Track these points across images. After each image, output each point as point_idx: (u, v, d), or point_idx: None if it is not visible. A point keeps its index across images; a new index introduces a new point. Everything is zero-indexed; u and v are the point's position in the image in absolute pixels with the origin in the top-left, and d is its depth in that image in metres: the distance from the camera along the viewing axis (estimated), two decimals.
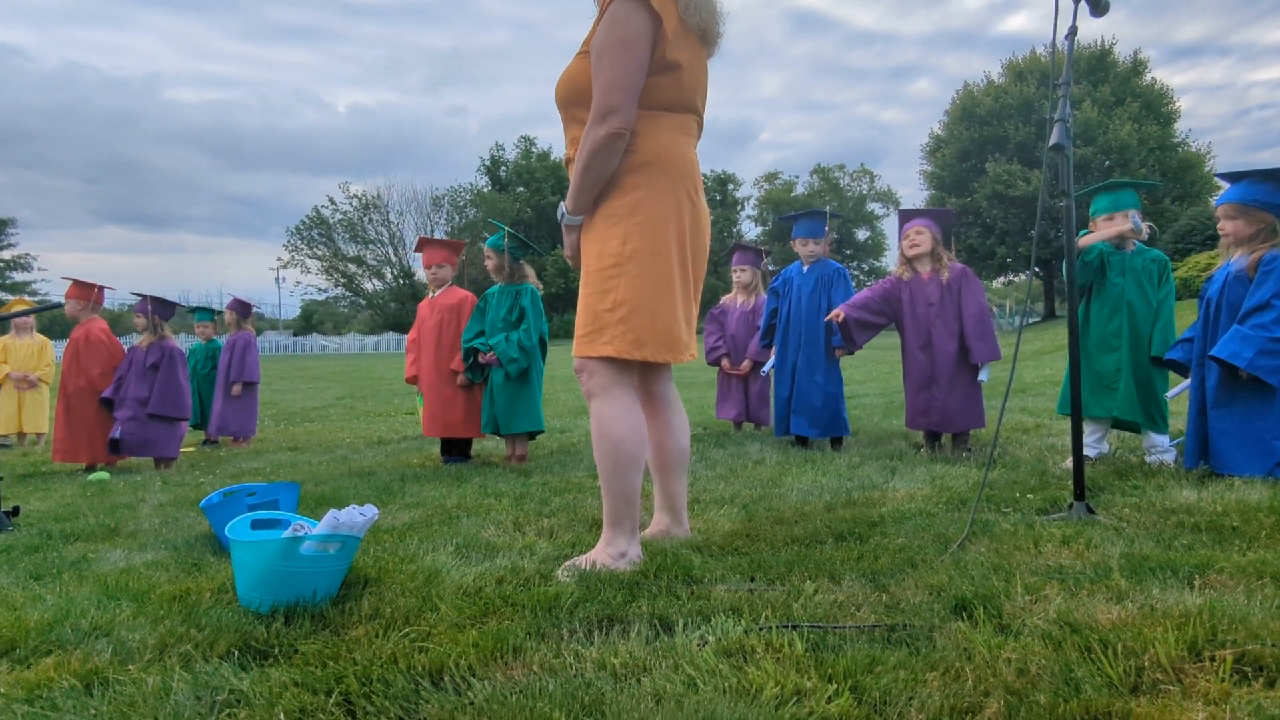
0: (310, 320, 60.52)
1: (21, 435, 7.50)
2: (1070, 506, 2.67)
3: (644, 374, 2.42)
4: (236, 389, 6.76)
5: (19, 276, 47.48)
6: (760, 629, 1.66)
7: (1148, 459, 3.73)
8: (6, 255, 47.30)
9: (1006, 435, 4.71)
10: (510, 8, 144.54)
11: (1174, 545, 2.21)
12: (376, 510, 2.07)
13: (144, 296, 5.44)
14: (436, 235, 51.56)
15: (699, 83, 2.31)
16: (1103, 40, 31.72)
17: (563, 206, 2.30)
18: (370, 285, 53.77)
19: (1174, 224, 24.85)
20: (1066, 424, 5.07)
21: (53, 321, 32.37)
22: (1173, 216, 26.16)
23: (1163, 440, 3.78)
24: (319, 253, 51.97)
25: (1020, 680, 1.40)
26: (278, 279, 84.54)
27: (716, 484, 3.53)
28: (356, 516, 1.99)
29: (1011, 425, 5.19)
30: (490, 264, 4.66)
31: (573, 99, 2.25)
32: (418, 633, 1.70)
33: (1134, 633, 1.55)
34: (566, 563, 2.22)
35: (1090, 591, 1.84)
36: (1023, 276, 35.63)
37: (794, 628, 1.66)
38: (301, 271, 54.94)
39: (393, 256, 52.52)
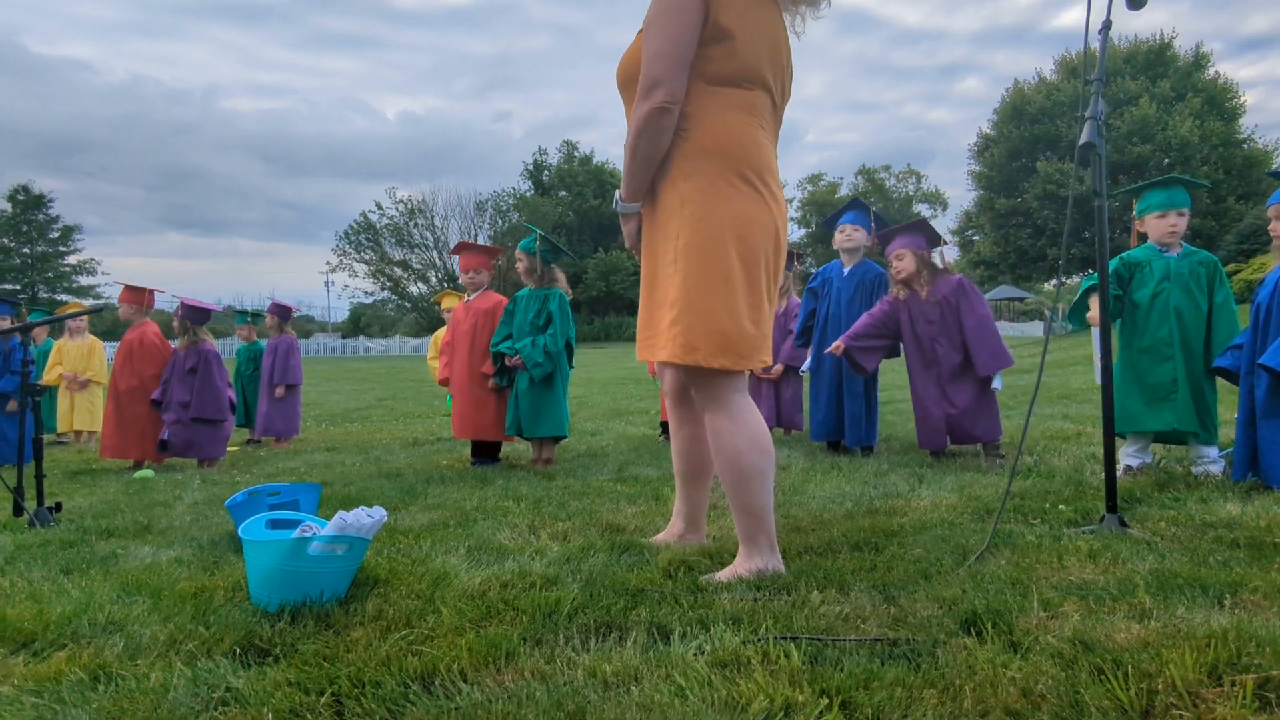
0: (358, 323, 61.90)
1: (79, 434, 7.81)
2: (1102, 519, 2.57)
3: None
4: (280, 391, 6.93)
5: (84, 280, 49.59)
6: (758, 640, 1.63)
7: (1194, 470, 3.57)
8: (72, 260, 49.45)
9: (1045, 443, 4.56)
10: (553, 12, 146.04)
11: (1208, 562, 2.10)
12: (385, 512, 2.10)
13: (180, 301, 5.62)
14: (480, 239, 52.37)
15: (764, 52, 2.08)
16: (1162, 34, 30.65)
17: (618, 194, 2.19)
18: (415, 288, 54.82)
19: (1238, 224, 23.83)
20: None
21: (116, 323, 33.68)
22: (1236, 215, 25.11)
23: (1211, 451, 3.62)
24: (366, 257, 53.20)
25: (1023, 701, 1.34)
26: (327, 282, 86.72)
27: None
28: (364, 518, 2.01)
29: (1051, 433, 5.03)
30: (521, 266, 4.69)
31: (631, 78, 2.11)
32: (417, 635, 1.71)
33: (1151, 654, 1.48)
34: (704, 576, 2.10)
35: (1111, 609, 1.76)
36: (1075, 279, 34.56)
37: (792, 639, 1.63)
38: (349, 275, 56.33)
39: (437, 260, 53.44)
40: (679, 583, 2.08)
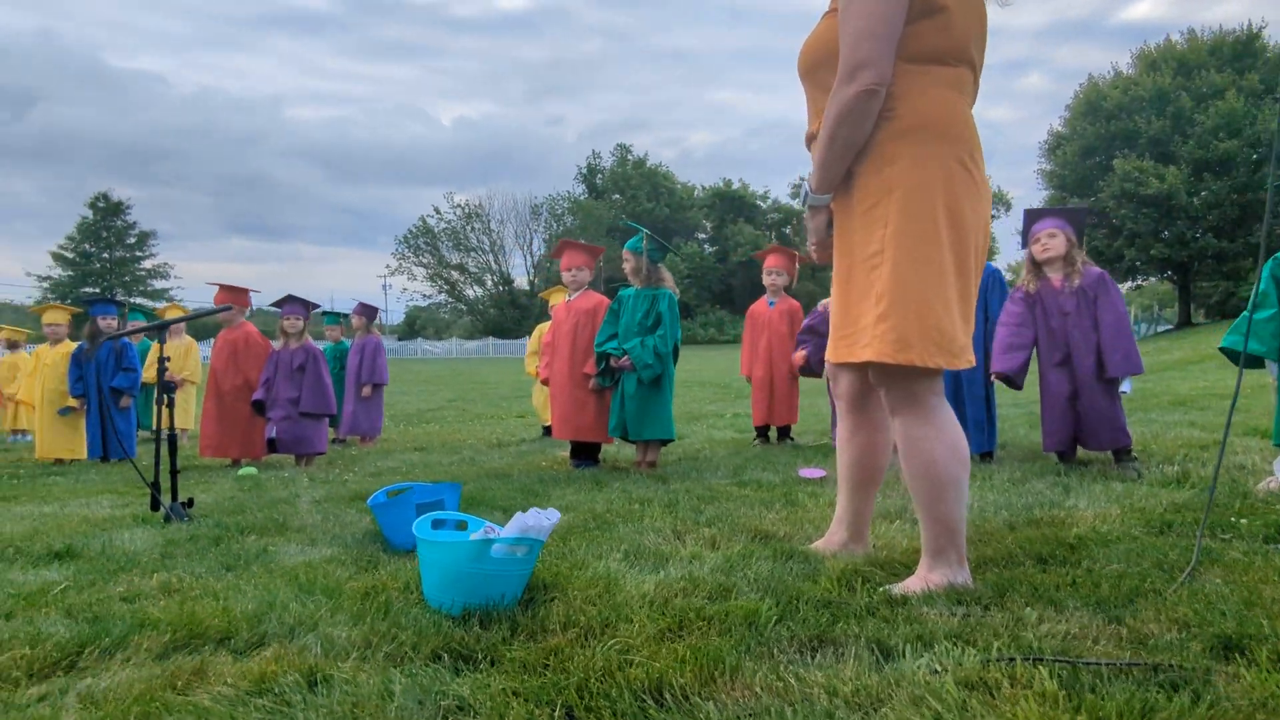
0: (413, 326, 63.09)
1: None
2: None
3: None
4: (367, 390, 7.00)
5: (158, 284, 51.62)
6: (999, 660, 1.50)
7: None
8: (148, 264, 51.51)
9: (1185, 452, 4.29)
10: (604, 16, 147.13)
11: None
12: (559, 514, 2.03)
13: (303, 301, 5.70)
14: (535, 243, 52.95)
15: (973, 27, 1.95)
16: (1250, 24, 29.18)
17: (806, 185, 2.05)
18: (471, 292, 55.62)
19: None
20: (1251, 441, 4.59)
21: (201, 324, 34.80)
22: None
23: None
24: (425, 260, 54.18)
25: None
26: (385, 286, 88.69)
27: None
28: (543, 520, 1.95)
29: (1184, 441, 4.74)
30: (628, 266, 4.63)
31: (819, 63, 1.99)
32: (621, 644, 1.63)
33: None
34: (893, 589, 1.98)
35: None
36: (1152, 280, 33.17)
37: (1038, 660, 1.49)
38: (408, 279, 57.57)
39: (493, 264, 54.16)
40: (864, 594, 1.96)
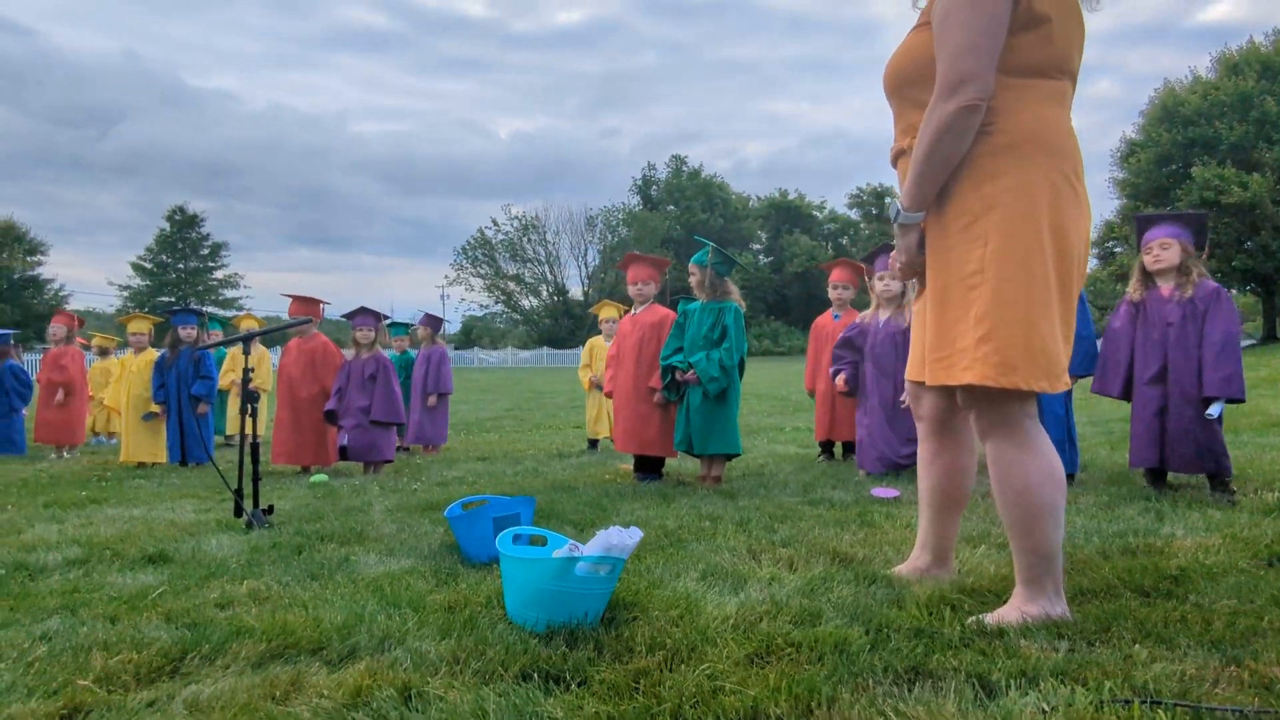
0: (470, 335, 64.25)
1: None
2: None
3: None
4: (432, 400, 7.13)
5: (228, 293, 53.76)
6: (1114, 701, 1.42)
7: None
8: (220, 275, 53.69)
9: None
10: (660, 30, 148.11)
11: None
12: (641, 533, 2.02)
13: (374, 313, 5.85)
14: (590, 254, 53.42)
15: (1075, 38, 1.89)
16: None
17: (896, 203, 1.98)
18: (527, 302, 56.36)
19: None
20: None
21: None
22: None
23: None
24: (482, 271, 55.17)
25: None
26: (443, 296, 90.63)
27: None
28: (627, 539, 1.94)
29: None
30: (694, 280, 4.62)
31: (910, 78, 1.96)
32: (711, 669, 1.60)
33: None
34: (987, 618, 1.90)
35: None
36: (1234, 292, 31.56)
37: (1155, 704, 1.41)
38: (466, 289, 58.68)
39: (548, 275, 54.79)
40: (955, 624, 1.89)
